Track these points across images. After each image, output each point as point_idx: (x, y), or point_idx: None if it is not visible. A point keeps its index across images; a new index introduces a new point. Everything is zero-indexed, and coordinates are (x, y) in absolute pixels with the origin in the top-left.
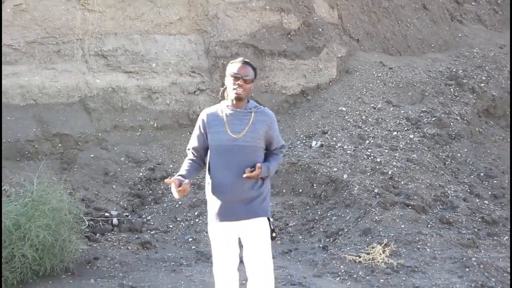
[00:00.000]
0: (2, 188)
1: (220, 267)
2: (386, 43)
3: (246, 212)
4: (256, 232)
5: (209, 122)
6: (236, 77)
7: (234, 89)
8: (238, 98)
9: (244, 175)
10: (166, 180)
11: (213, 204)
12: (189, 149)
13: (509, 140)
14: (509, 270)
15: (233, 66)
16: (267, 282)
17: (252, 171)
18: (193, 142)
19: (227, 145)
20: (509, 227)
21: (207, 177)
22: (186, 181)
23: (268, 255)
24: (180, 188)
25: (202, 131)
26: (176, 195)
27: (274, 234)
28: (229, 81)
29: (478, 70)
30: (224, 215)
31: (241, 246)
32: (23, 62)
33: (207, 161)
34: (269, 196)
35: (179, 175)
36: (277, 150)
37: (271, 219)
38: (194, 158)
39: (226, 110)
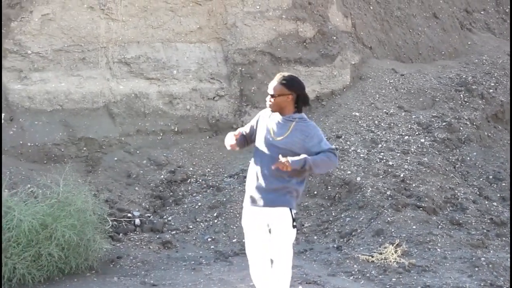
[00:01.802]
0: (30, 190)
1: (248, 249)
2: (398, 50)
3: (270, 200)
4: (276, 220)
5: (261, 120)
6: (269, 94)
7: (268, 103)
8: (272, 111)
9: (273, 166)
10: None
11: (247, 192)
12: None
13: None
14: None
15: (269, 84)
16: (282, 270)
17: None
18: (246, 128)
19: (267, 144)
20: (509, 227)
21: (249, 169)
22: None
23: (284, 243)
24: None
25: (255, 126)
26: (230, 141)
27: (294, 223)
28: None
29: (487, 77)
30: (252, 200)
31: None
32: (50, 69)
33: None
34: (298, 193)
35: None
36: (325, 151)
37: (294, 210)
38: (243, 133)
39: (275, 116)
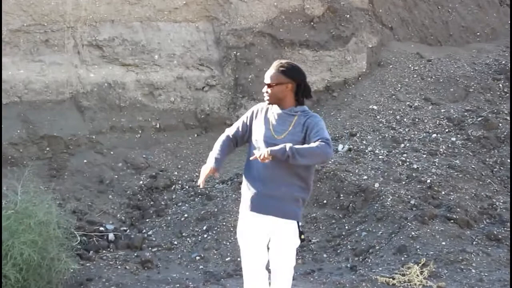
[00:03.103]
0: None
1: (246, 261)
2: (424, 31)
3: (276, 209)
4: (281, 233)
5: (257, 116)
6: (265, 84)
7: (264, 94)
8: (269, 103)
9: (251, 158)
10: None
11: (246, 195)
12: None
13: None
14: None
15: (266, 73)
16: (284, 283)
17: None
18: (234, 127)
19: (267, 142)
20: (509, 226)
21: (244, 170)
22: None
23: (288, 256)
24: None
25: (248, 123)
26: (202, 183)
27: (302, 236)
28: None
29: None
30: (252, 206)
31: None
32: (6, 53)
33: (246, 156)
34: (304, 201)
35: (213, 158)
36: (317, 139)
37: (301, 223)
38: (230, 136)
39: (274, 109)
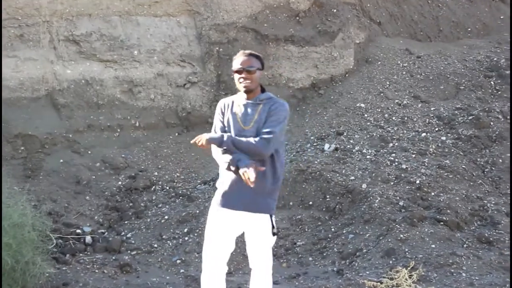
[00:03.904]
0: None
1: (209, 254)
2: (414, 27)
3: (249, 204)
4: (255, 227)
5: (226, 111)
6: (239, 71)
7: (241, 83)
8: (248, 91)
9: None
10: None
11: (220, 190)
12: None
13: None
14: None
15: (236, 61)
16: (263, 279)
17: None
18: (218, 128)
19: (238, 134)
20: (509, 229)
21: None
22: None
23: (264, 251)
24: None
25: (222, 119)
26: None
27: (274, 230)
28: (235, 78)
29: None
30: (226, 202)
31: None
32: None
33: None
34: (277, 194)
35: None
36: (263, 133)
37: (274, 216)
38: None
39: (240, 101)
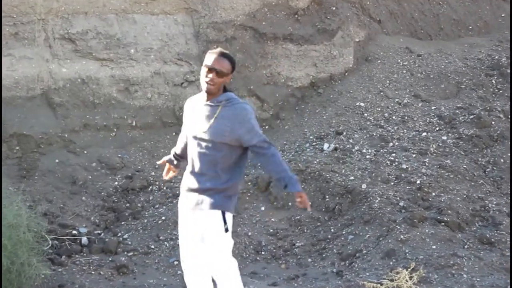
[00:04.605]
0: None
1: (181, 257)
2: (414, 25)
3: (199, 203)
4: (205, 226)
5: (187, 111)
6: (210, 69)
7: (206, 82)
8: (208, 92)
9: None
10: (158, 162)
11: (180, 191)
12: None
13: None
14: None
15: (210, 56)
16: (219, 277)
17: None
18: (182, 128)
19: (193, 137)
20: (502, 229)
21: None
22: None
23: (217, 252)
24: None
25: (186, 122)
26: (167, 177)
27: (226, 227)
28: (202, 71)
29: None
30: (182, 203)
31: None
32: None
33: None
34: (234, 190)
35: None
36: (259, 148)
37: (229, 213)
38: (179, 143)
39: (198, 103)
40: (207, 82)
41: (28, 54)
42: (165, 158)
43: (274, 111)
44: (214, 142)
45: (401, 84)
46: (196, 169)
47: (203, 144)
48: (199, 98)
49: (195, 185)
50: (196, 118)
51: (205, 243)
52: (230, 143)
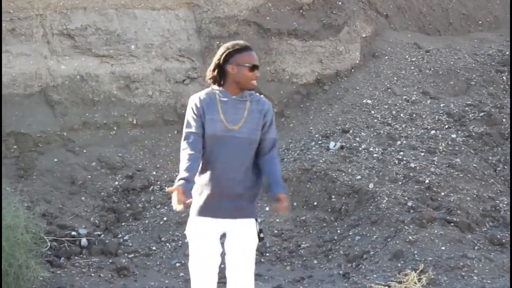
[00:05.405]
0: None
1: (198, 265)
2: (422, 20)
3: (233, 210)
4: (241, 234)
5: (203, 107)
6: (255, 67)
7: (253, 79)
8: (254, 88)
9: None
10: (168, 189)
11: (199, 197)
12: (189, 136)
13: None
14: None
15: (246, 55)
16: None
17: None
18: (193, 127)
19: (221, 136)
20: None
21: (199, 168)
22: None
23: (252, 261)
24: (185, 199)
25: (199, 116)
26: (179, 206)
27: (261, 235)
28: (242, 70)
29: None
30: (208, 210)
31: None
32: None
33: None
34: (258, 196)
35: (182, 179)
36: (271, 148)
37: (259, 220)
38: (196, 149)
39: (219, 97)
40: (254, 81)
41: (25, 50)
42: (180, 184)
43: (278, 109)
44: (248, 138)
45: (409, 80)
46: (225, 171)
47: (236, 142)
48: (214, 94)
49: (229, 190)
50: (221, 114)
51: (234, 249)
52: (258, 139)
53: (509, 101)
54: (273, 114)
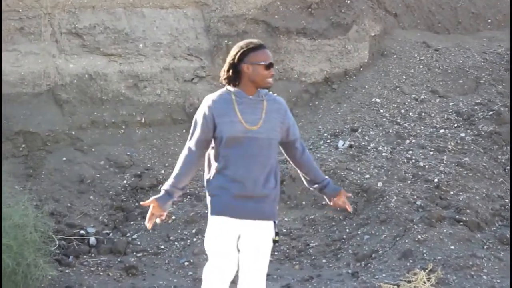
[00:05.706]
0: None
1: (219, 268)
2: (431, 18)
3: (255, 211)
4: (259, 235)
5: (217, 110)
6: (270, 65)
7: (269, 78)
8: (270, 86)
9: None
10: (142, 203)
11: (217, 198)
12: (191, 142)
13: None
14: None
15: (260, 53)
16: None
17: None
18: (197, 133)
19: (241, 137)
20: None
21: (212, 170)
22: (169, 203)
23: (265, 263)
24: (161, 214)
25: (209, 120)
26: (149, 224)
27: (277, 238)
28: (258, 69)
29: None
30: (228, 210)
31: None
32: None
33: (210, 155)
34: (278, 197)
35: (170, 187)
36: (304, 148)
37: (277, 222)
38: (194, 154)
39: (235, 97)
40: (270, 79)
41: (34, 49)
42: (156, 197)
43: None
44: (268, 138)
45: (418, 79)
46: (245, 172)
47: (256, 142)
48: (229, 95)
49: (250, 191)
50: (239, 115)
51: (249, 250)
52: (278, 138)
53: None
54: (290, 113)
